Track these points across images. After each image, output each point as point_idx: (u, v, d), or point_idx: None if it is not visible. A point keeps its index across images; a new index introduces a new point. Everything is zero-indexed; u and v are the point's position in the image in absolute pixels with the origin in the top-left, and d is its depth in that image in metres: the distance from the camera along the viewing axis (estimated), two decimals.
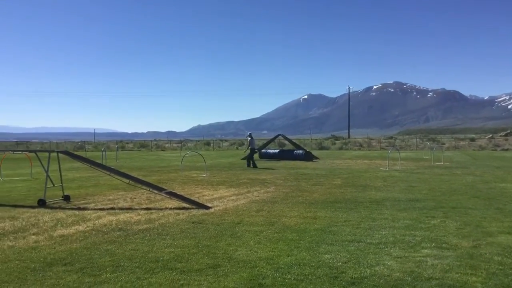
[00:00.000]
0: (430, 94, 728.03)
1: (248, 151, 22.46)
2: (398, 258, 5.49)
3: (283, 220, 7.94)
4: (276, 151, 29.98)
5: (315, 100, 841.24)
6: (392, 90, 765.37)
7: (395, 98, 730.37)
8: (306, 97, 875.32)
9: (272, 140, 35.38)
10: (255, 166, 21.31)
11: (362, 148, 52.49)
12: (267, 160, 27.82)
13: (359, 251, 5.83)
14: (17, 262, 5.40)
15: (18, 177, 16.90)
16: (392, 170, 19.12)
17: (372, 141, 60.11)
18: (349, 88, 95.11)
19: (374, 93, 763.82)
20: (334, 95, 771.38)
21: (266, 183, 14.28)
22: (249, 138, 22.94)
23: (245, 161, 22.82)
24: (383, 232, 6.88)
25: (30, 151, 13.24)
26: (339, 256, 5.58)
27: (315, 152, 34.33)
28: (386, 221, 7.80)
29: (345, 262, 5.31)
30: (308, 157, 27.38)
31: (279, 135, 33.49)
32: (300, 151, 28.42)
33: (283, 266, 5.20)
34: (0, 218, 8.23)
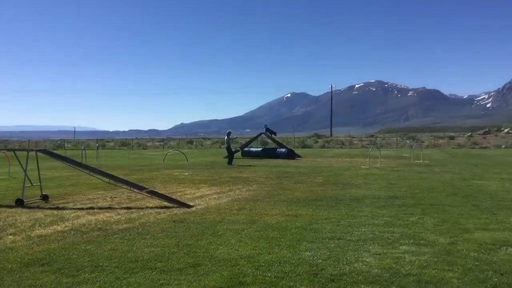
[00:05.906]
0: (410, 93, 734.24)
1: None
2: (376, 254, 5.56)
3: (265, 219, 7.96)
4: (259, 149, 30.05)
5: (298, 98, 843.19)
6: (374, 89, 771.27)
7: (377, 96, 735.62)
8: (289, 95, 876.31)
9: (255, 138, 35.59)
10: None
11: (343, 146, 53.03)
12: (250, 158, 27.86)
13: (338, 248, 5.88)
14: None
15: None
16: (372, 168, 19.33)
17: (353, 139, 60.72)
18: (331, 86, 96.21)
19: (356, 92, 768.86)
20: (317, 94, 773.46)
21: (248, 181, 14.29)
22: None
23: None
24: (363, 229, 6.96)
25: (9, 150, 12.97)
26: (319, 254, 5.62)
27: (297, 151, 34.50)
28: (366, 218, 7.90)
29: (325, 259, 5.36)
30: (290, 155, 27.48)
31: (261, 133, 33.60)
32: (283, 150, 28.52)
33: (263, 264, 5.21)
34: None
